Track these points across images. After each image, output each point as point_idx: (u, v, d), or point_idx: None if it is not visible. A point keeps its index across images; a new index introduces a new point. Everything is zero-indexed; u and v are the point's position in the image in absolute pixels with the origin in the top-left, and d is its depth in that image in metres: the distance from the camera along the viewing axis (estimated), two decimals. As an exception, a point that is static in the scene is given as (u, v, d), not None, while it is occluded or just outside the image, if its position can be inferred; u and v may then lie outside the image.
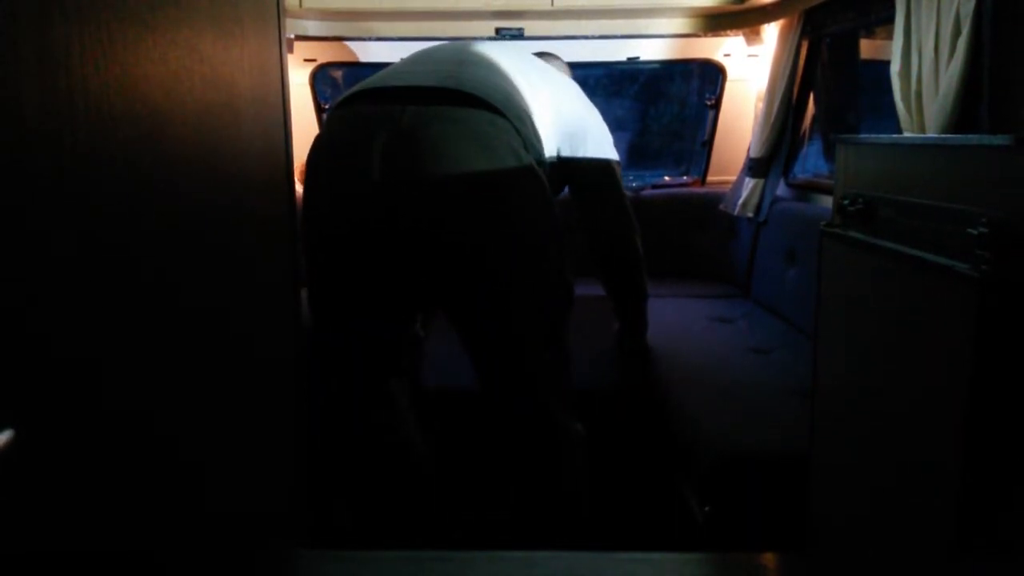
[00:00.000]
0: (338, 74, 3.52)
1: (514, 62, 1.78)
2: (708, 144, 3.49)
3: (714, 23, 2.92)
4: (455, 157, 1.51)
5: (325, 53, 3.25)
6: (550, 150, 1.74)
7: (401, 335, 1.80)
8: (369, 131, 1.56)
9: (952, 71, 1.48)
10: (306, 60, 3.27)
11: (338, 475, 1.90)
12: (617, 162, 1.92)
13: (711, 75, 3.42)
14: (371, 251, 1.61)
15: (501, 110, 1.59)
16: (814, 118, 3.00)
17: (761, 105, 2.97)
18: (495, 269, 1.59)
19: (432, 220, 1.54)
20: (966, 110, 1.48)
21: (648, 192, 3.54)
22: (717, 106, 3.38)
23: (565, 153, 1.79)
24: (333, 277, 1.68)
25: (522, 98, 1.69)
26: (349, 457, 1.86)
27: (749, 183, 3.03)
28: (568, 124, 1.80)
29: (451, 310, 1.71)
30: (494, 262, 1.58)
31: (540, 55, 2.10)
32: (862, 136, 1.45)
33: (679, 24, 2.91)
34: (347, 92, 1.71)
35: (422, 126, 1.53)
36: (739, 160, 3.23)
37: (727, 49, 3.25)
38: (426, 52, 1.84)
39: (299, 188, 3.63)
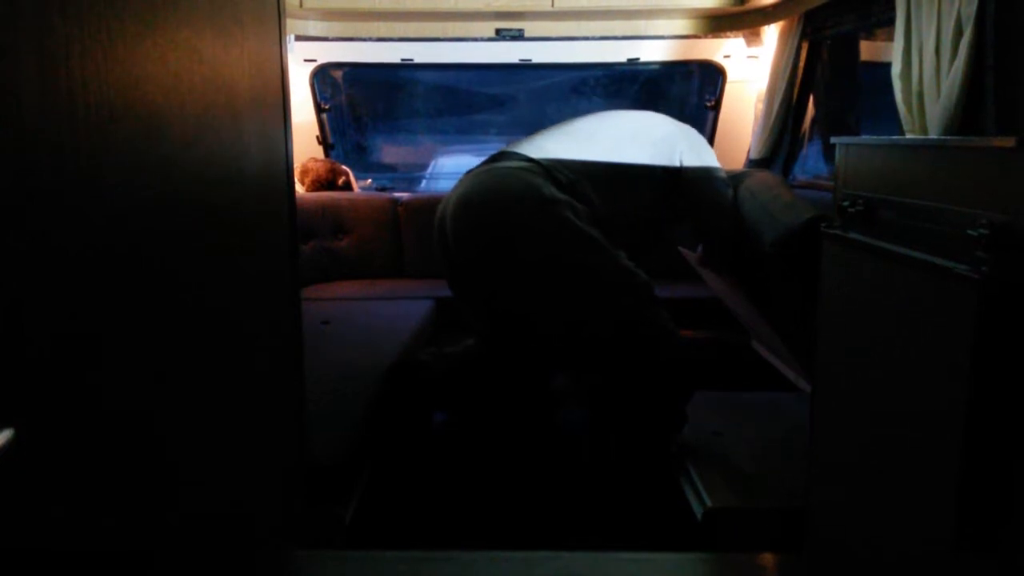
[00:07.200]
0: (338, 74, 3.52)
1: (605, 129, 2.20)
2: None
3: (714, 24, 2.92)
4: (486, 200, 2.01)
5: (325, 53, 3.25)
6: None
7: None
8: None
9: (955, 73, 1.47)
10: (306, 60, 3.27)
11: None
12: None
13: (711, 76, 3.42)
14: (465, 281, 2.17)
15: (534, 157, 2.02)
16: (814, 119, 3.00)
17: (761, 106, 2.97)
18: (523, 284, 2.01)
19: (479, 252, 2.04)
20: (969, 112, 1.47)
21: (648, 193, 3.53)
22: (717, 107, 3.38)
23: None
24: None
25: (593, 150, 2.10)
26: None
27: (749, 184, 3.03)
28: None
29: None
30: (518, 277, 2.01)
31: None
32: (862, 137, 1.44)
33: (679, 25, 2.91)
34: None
35: (479, 181, 2.06)
36: (739, 161, 3.23)
37: (727, 50, 3.25)
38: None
39: (299, 188, 3.61)
